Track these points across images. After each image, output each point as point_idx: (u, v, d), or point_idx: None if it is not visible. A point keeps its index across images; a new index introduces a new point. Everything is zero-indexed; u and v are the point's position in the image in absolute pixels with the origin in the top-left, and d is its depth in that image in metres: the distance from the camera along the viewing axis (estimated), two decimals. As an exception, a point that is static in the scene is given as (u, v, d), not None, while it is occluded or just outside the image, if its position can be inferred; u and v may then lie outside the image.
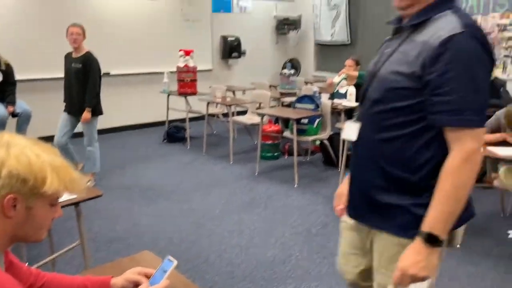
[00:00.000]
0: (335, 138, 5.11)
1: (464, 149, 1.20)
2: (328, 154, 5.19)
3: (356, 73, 5.22)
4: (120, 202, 4.08)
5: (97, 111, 4.43)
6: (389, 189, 1.35)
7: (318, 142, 5.44)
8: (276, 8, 8.52)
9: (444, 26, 1.22)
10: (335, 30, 8.10)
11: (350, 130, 1.44)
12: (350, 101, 5.19)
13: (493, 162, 3.55)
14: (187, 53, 6.02)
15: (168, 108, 6.56)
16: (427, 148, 1.28)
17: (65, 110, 4.45)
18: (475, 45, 1.19)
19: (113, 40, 6.60)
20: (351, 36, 7.89)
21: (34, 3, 5.90)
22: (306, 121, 4.84)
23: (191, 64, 6.01)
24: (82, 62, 4.26)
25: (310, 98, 5.02)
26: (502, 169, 3.23)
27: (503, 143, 3.21)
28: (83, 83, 4.27)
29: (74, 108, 4.35)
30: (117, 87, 6.74)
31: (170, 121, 6.64)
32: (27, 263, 2.23)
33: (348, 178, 1.54)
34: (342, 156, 4.46)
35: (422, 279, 1.23)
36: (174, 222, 3.65)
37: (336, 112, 5.51)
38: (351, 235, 1.58)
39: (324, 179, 4.78)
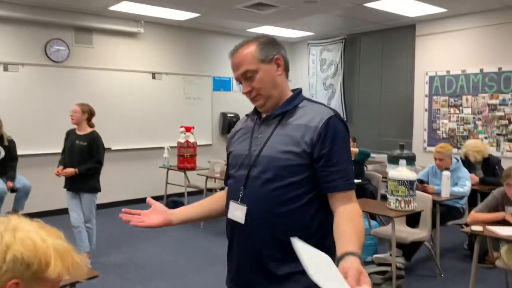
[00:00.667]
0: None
1: (357, 204, 1.43)
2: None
3: (356, 149, 5.30)
4: (115, 281, 3.96)
5: (96, 188, 4.38)
6: (286, 259, 1.41)
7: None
8: (274, 87, 8.87)
9: (319, 111, 1.47)
10: (331, 108, 8.38)
11: (237, 212, 1.47)
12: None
13: (493, 242, 3.51)
14: (188, 129, 6.18)
15: (167, 183, 6.58)
16: (317, 215, 1.44)
17: (65, 187, 4.32)
18: (342, 124, 1.48)
19: (115, 115, 6.79)
20: (346, 114, 8.15)
21: (36, 81, 6.15)
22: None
23: (191, 140, 6.14)
24: (87, 141, 4.24)
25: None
26: (503, 249, 3.19)
27: (502, 221, 3.21)
28: (87, 161, 4.24)
29: (76, 185, 4.26)
30: (117, 162, 6.82)
31: (168, 196, 6.64)
32: None
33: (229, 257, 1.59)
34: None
35: None
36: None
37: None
38: None
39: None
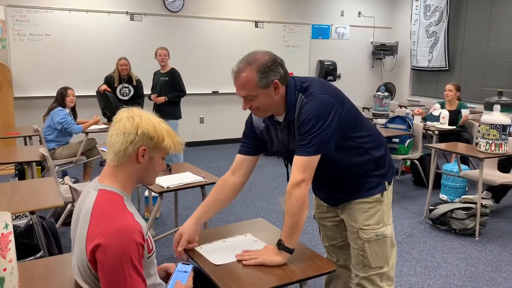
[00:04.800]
0: (426, 159, 5.28)
1: (300, 175, 1.73)
2: (418, 174, 5.36)
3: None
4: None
5: (177, 115, 5.54)
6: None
7: (408, 163, 5.62)
8: (374, 35, 8.85)
9: (302, 104, 1.71)
10: (432, 56, 8.21)
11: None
12: (443, 124, 5.34)
13: None
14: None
15: (266, 125, 7.17)
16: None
17: None
18: (307, 104, 1.69)
19: (222, 61, 7.40)
20: (449, 62, 7.94)
21: (155, 29, 6.92)
22: (397, 140, 5.10)
23: (290, 85, 6.58)
24: (169, 76, 5.43)
25: (402, 119, 5.28)
26: None
27: None
28: (169, 92, 5.41)
29: (162, 112, 5.49)
30: (223, 104, 7.55)
31: (268, 137, 7.25)
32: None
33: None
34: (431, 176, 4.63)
35: None
36: (272, 221, 4.14)
37: (428, 134, 5.68)
38: None
39: (413, 197, 4.96)
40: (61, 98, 4.64)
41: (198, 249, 1.79)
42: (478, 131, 4.06)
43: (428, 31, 8.22)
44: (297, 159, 1.69)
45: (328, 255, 2.20)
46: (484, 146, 3.82)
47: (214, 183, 2.83)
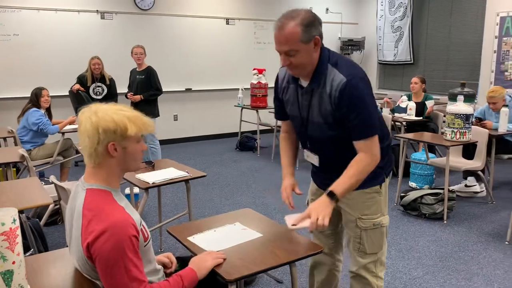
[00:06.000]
0: (395, 149, 5.51)
1: (370, 154, 1.80)
2: (388, 164, 5.58)
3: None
4: (204, 194, 4.78)
5: (154, 113, 5.56)
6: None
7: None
8: (341, 31, 9.09)
9: (335, 79, 1.73)
10: (397, 51, 8.51)
11: (311, 156, 2.04)
12: (410, 115, 5.59)
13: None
14: (260, 71, 6.72)
15: (241, 120, 7.28)
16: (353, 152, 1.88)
17: None
18: (356, 87, 1.71)
19: (195, 59, 7.48)
20: (414, 56, 8.26)
21: (126, 27, 6.90)
22: (367, 132, 5.30)
23: (263, 81, 6.70)
24: (145, 74, 5.47)
25: (372, 112, 5.48)
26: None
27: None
28: (145, 90, 5.45)
29: (138, 110, 5.43)
30: (197, 101, 7.60)
31: (242, 132, 7.36)
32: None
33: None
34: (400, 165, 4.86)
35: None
36: (250, 212, 4.25)
37: (396, 126, 5.93)
38: None
39: (384, 185, 5.18)
40: (35, 99, 4.60)
41: (190, 239, 1.89)
42: (444, 121, 4.30)
43: (393, 26, 8.51)
44: (370, 141, 1.76)
45: None
46: (450, 134, 4.06)
47: (199, 177, 2.93)
